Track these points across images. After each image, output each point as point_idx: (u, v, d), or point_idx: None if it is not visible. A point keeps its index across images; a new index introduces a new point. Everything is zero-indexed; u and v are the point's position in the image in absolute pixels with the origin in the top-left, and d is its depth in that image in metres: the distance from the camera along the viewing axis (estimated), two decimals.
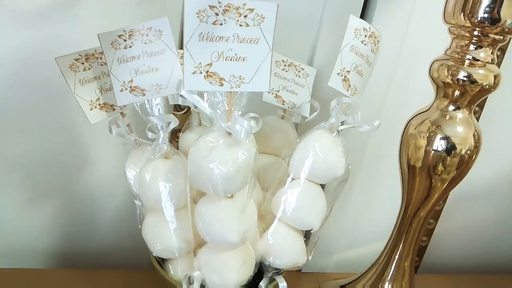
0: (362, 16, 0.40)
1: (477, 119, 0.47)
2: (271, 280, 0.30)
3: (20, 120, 0.38)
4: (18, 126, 0.39)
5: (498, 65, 0.38)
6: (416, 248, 0.37)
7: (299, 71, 0.37)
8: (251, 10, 0.23)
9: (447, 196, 0.51)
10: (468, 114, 0.32)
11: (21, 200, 0.41)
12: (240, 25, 0.23)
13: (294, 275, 0.49)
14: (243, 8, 0.22)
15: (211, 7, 0.22)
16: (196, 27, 0.22)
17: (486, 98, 0.45)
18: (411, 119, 0.33)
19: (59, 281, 0.41)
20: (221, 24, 0.23)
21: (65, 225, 0.44)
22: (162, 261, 0.30)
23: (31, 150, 0.39)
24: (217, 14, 0.22)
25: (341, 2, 0.39)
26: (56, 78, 0.29)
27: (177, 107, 0.37)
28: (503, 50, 0.43)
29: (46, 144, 0.39)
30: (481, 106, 0.47)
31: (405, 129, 0.34)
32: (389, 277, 0.37)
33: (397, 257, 0.37)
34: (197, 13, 0.22)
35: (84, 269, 0.44)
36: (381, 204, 0.48)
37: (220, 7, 0.22)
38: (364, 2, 0.40)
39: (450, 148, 0.31)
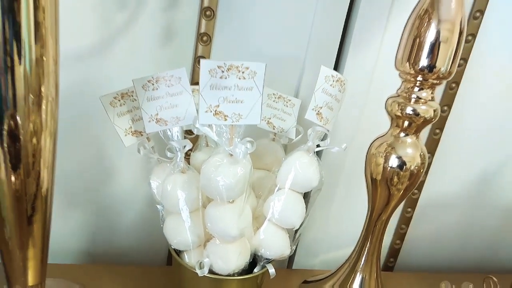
0: (338, 58, 0.50)
1: (438, 140, 0.56)
2: (263, 267, 0.39)
3: (64, 141, 0.47)
4: (62, 145, 0.48)
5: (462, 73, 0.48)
6: (381, 246, 0.46)
7: (287, 102, 0.46)
8: (247, 68, 0.32)
9: (416, 204, 0.61)
10: (416, 138, 0.41)
11: (59, 206, 0.50)
12: (239, 78, 0.32)
13: (286, 271, 0.58)
14: (241, 67, 0.32)
15: (219, 66, 0.31)
16: (208, 80, 0.32)
17: (445, 121, 0.55)
18: (373, 142, 0.42)
19: (86, 275, 0.48)
20: (226, 78, 0.32)
21: (93, 227, 0.52)
22: (179, 252, 0.39)
23: (71, 164, 0.48)
24: (222, 71, 0.32)
25: (321, 46, 0.48)
26: (92, 109, 0.38)
27: (189, 131, 0.47)
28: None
29: (82, 160, 0.48)
30: (441, 129, 0.56)
31: (368, 149, 0.43)
32: (359, 269, 0.46)
33: (365, 253, 0.45)
34: (209, 71, 0.31)
35: (107, 264, 0.53)
36: (358, 210, 0.57)
37: (225, 66, 0.31)
38: (339, 47, 0.49)
39: (402, 165, 0.40)
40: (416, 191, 0.59)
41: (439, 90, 0.54)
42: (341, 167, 0.54)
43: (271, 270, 0.38)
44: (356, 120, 0.51)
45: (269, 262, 0.39)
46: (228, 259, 0.35)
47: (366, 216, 0.45)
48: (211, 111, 0.33)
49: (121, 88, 0.38)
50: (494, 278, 0.53)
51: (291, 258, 0.59)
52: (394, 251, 0.63)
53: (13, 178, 0.30)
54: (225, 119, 0.33)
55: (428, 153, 0.57)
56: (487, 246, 0.64)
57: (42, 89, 0.29)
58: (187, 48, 0.46)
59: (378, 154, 0.41)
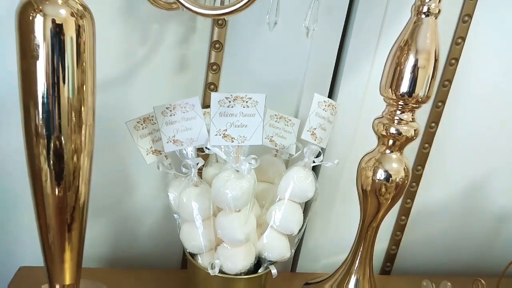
0: (332, 83, 0.56)
1: (427, 154, 0.61)
2: (266, 268, 0.44)
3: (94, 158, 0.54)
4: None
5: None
6: (373, 250, 0.51)
7: (287, 122, 0.51)
8: (250, 98, 0.38)
9: (409, 212, 0.66)
10: (400, 154, 0.46)
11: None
12: (243, 107, 0.38)
13: (290, 274, 0.63)
14: (245, 98, 0.38)
15: (226, 98, 0.38)
16: (218, 109, 0.38)
17: (434, 135, 0.60)
18: (362, 157, 0.48)
19: (109, 278, 0.54)
20: (232, 107, 0.38)
21: (115, 234, 0.58)
22: (193, 255, 0.45)
23: (98, 178, 0.54)
24: (229, 101, 0.38)
25: (317, 73, 0.54)
26: (117, 131, 0.45)
27: (200, 149, 0.53)
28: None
29: (107, 174, 0.54)
30: (430, 143, 0.61)
31: (359, 164, 0.48)
32: (354, 271, 0.51)
33: (359, 257, 0.51)
34: (218, 101, 0.37)
35: (128, 268, 0.59)
36: (355, 218, 0.62)
37: (231, 97, 0.38)
38: (333, 74, 0.55)
39: (388, 177, 0.46)
40: (409, 200, 0.64)
41: (427, 108, 0.59)
42: (338, 180, 0.59)
43: (273, 270, 0.44)
44: (350, 138, 0.57)
45: (271, 264, 0.44)
46: (236, 260, 0.41)
47: (359, 224, 0.50)
48: (220, 135, 0.39)
49: (143, 113, 0.45)
50: (483, 281, 0.58)
51: (294, 262, 0.65)
52: (390, 256, 0.67)
53: (56, 192, 0.36)
54: (232, 141, 0.39)
55: (419, 165, 0.62)
56: (477, 250, 0.69)
57: (82, 115, 0.35)
58: (199, 76, 0.52)
59: (368, 168, 0.47)
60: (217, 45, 0.51)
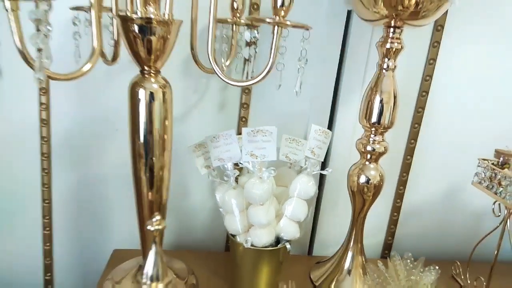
0: (332, 111, 0.76)
1: (410, 164, 0.79)
2: (283, 244, 0.64)
3: None
4: None
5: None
6: (362, 233, 0.69)
7: (298, 143, 0.71)
8: (267, 130, 0.59)
9: (400, 210, 0.83)
10: (376, 165, 0.65)
11: None
12: (263, 136, 0.59)
13: (306, 257, 0.83)
14: (264, 130, 0.59)
15: (252, 131, 0.59)
16: (246, 137, 0.59)
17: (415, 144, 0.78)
18: (350, 167, 0.67)
19: (174, 257, 0.76)
20: (255, 136, 0.59)
21: (177, 226, 0.81)
22: (233, 236, 0.66)
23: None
24: (254, 133, 0.59)
25: (319, 104, 0.74)
26: (180, 152, 0.67)
27: (236, 164, 0.74)
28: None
29: (174, 182, 0.77)
30: (411, 155, 0.79)
31: (348, 172, 0.68)
32: (349, 248, 0.70)
33: (352, 238, 0.70)
34: (247, 133, 0.59)
35: (187, 250, 0.81)
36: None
37: (255, 130, 0.59)
38: (332, 104, 0.75)
39: (368, 181, 0.65)
40: (398, 200, 0.82)
41: (407, 128, 0.78)
42: (341, 184, 0.78)
43: (288, 246, 0.64)
44: (348, 152, 0.76)
45: (287, 241, 0.64)
46: (261, 237, 0.62)
47: (351, 215, 0.70)
48: (248, 154, 0.60)
49: (198, 141, 0.67)
50: (458, 263, 0.75)
51: (310, 248, 0.84)
52: (387, 245, 0.85)
53: (149, 194, 0.58)
54: (256, 158, 0.60)
55: (404, 173, 0.80)
56: (458, 240, 0.85)
57: (166, 143, 0.57)
58: (234, 112, 0.74)
59: (354, 174, 0.66)
60: (246, 91, 0.73)
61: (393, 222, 0.84)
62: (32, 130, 0.72)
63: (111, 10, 0.56)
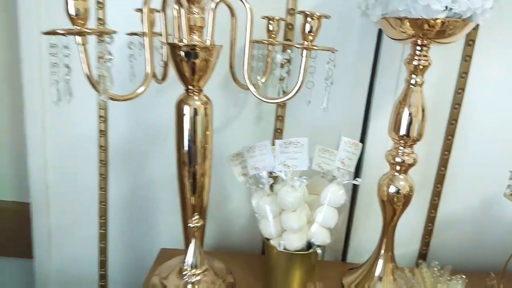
0: (365, 124, 0.79)
1: (443, 175, 0.80)
2: (314, 249, 0.68)
3: None
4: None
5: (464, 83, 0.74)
6: (393, 242, 0.72)
7: (330, 153, 0.75)
8: (298, 142, 0.64)
9: (434, 220, 0.84)
10: (405, 175, 0.68)
11: None
12: (295, 147, 0.64)
13: (341, 263, 0.86)
14: (295, 141, 0.64)
15: (284, 142, 0.64)
16: (279, 149, 0.64)
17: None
18: (380, 178, 0.70)
19: (215, 257, 0.82)
20: (287, 147, 0.64)
21: (218, 231, 0.87)
22: (268, 239, 0.70)
23: None
24: (286, 144, 0.64)
25: (352, 117, 0.78)
26: (219, 161, 0.73)
27: (270, 173, 0.79)
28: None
29: (214, 188, 0.83)
30: (445, 167, 0.80)
31: (378, 182, 0.71)
32: (381, 256, 0.72)
33: (384, 246, 0.72)
34: (280, 144, 0.64)
35: (225, 252, 0.86)
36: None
37: (287, 142, 0.64)
38: (364, 117, 0.78)
39: (397, 191, 0.68)
40: (433, 211, 0.83)
41: (440, 140, 0.79)
42: (374, 193, 0.81)
43: (319, 251, 0.68)
44: (380, 164, 0.79)
45: (317, 247, 0.68)
46: (293, 242, 0.66)
47: (382, 223, 0.72)
48: (281, 164, 0.65)
49: (235, 151, 0.73)
50: (492, 274, 0.75)
51: (344, 255, 0.87)
52: (422, 255, 0.86)
53: (192, 199, 0.65)
54: (288, 168, 0.65)
55: (438, 184, 0.82)
56: (494, 252, 0.84)
57: (207, 153, 0.64)
58: (270, 124, 0.80)
59: (384, 185, 0.69)
60: (281, 104, 0.78)
61: (427, 232, 0.85)
62: (91, 140, 0.82)
63: (161, 34, 0.63)
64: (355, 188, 0.83)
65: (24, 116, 0.80)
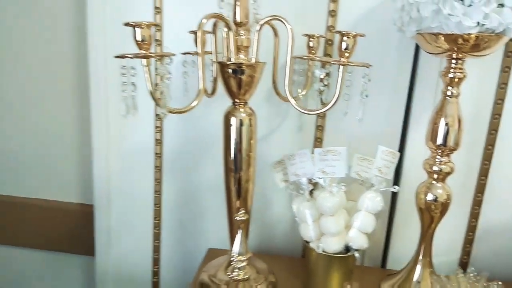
0: (404, 134, 0.81)
1: (484, 185, 0.81)
2: (352, 253, 0.72)
3: None
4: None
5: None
6: (431, 249, 0.73)
7: (369, 162, 0.78)
8: (336, 150, 0.68)
9: (475, 229, 0.84)
10: (443, 183, 0.70)
11: None
12: (333, 155, 0.68)
13: (380, 269, 0.88)
14: (333, 150, 0.68)
15: (323, 151, 0.68)
16: (319, 157, 0.69)
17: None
18: (418, 186, 0.73)
19: (257, 258, 0.88)
20: (326, 155, 0.69)
21: (260, 233, 0.92)
22: (308, 242, 0.75)
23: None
24: (325, 153, 0.68)
25: (388, 130, 0.81)
26: (262, 168, 0.79)
27: (310, 179, 0.83)
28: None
29: (256, 194, 0.89)
30: (486, 176, 0.81)
31: (416, 190, 0.73)
32: (419, 262, 0.74)
33: (421, 252, 0.74)
34: (319, 153, 0.69)
35: (267, 254, 0.91)
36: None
37: (326, 150, 0.68)
38: (404, 127, 0.81)
39: (435, 199, 0.70)
40: (473, 220, 0.84)
41: (480, 149, 0.80)
42: (413, 200, 0.83)
43: (356, 255, 0.71)
44: (419, 172, 0.81)
45: (355, 251, 0.72)
46: (332, 245, 0.70)
47: (420, 230, 0.74)
48: (320, 171, 0.70)
49: (277, 158, 0.78)
50: None
51: (384, 262, 0.89)
52: (463, 264, 0.87)
53: (237, 202, 0.71)
54: (327, 174, 0.69)
55: (478, 193, 0.82)
56: None
57: (251, 160, 0.70)
58: (310, 133, 0.85)
59: (421, 192, 0.71)
60: (321, 115, 0.83)
61: (468, 241, 0.85)
62: (148, 148, 0.91)
63: (211, 53, 0.70)
64: (394, 196, 0.85)
65: (91, 127, 0.90)
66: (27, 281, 1.15)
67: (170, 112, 0.55)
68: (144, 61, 0.52)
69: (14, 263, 1.14)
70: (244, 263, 0.58)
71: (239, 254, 0.60)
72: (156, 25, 0.81)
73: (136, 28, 0.51)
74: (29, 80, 1.00)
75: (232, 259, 0.58)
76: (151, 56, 0.52)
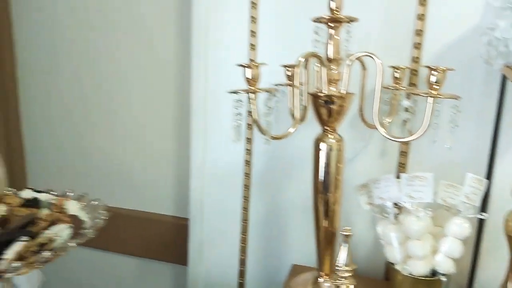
0: (491, 161, 0.81)
1: None
2: (438, 277, 0.73)
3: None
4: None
5: None
6: None
7: (456, 188, 0.80)
8: (423, 176, 0.71)
9: None
10: None
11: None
12: (419, 180, 0.71)
13: None
14: (420, 175, 0.71)
15: (410, 176, 0.72)
16: (405, 182, 0.72)
17: None
18: (508, 213, 0.72)
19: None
20: (413, 181, 0.72)
21: None
22: (393, 264, 0.77)
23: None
24: (411, 179, 0.72)
25: (474, 157, 0.81)
26: (347, 192, 0.83)
27: (395, 203, 0.86)
28: None
29: (341, 214, 0.94)
30: None
31: (505, 217, 0.73)
32: None
33: (510, 281, 0.73)
34: (405, 178, 0.72)
35: None
36: None
37: (413, 176, 0.72)
38: (492, 154, 0.81)
39: None
40: None
41: None
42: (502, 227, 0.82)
43: (443, 279, 0.72)
44: (508, 199, 0.80)
45: (442, 275, 0.73)
46: (418, 268, 0.72)
47: (509, 258, 0.73)
48: (407, 196, 0.73)
49: (362, 182, 0.82)
50: None
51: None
52: None
53: (325, 222, 0.76)
54: (414, 199, 0.72)
55: None
56: None
57: (338, 184, 0.75)
58: (394, 158, 0.88)
59: (510, 220, 0.71)
60: (405, 142, 0.86)
61: None
62: (238, 169, 1.00)
63: (301, 84, 0.78)
64: (481, 222, 0.85)
65: (190, 151, 1.02)
66: (124, 285, 1.29)
67: (273, 138, 0.63)
68: (252, 95, 0.61)
69: (114, 268, 1.29)
70: (349, 273, 0.63)
71: (344, 264, 0.65)
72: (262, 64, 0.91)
73: (246, 68, 0.60)
74: (143, 110, 1.16)
75: (337, 268, 0.64)
76: (258, 91, 0.61)
